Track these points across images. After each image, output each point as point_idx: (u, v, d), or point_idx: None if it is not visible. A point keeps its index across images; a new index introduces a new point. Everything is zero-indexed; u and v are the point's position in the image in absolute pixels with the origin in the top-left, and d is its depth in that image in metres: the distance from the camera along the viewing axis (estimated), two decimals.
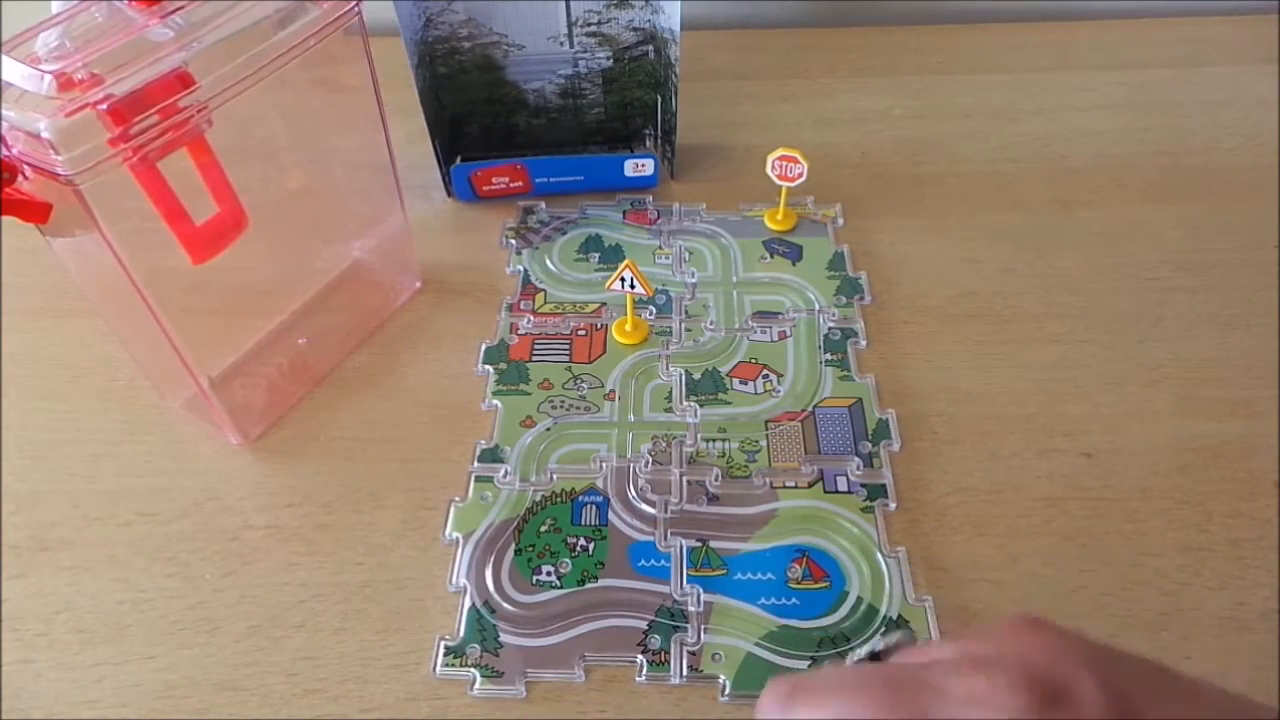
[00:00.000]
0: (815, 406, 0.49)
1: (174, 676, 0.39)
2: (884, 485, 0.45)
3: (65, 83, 0.34)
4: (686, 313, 0.54)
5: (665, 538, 0.43)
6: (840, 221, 0.59)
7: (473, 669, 0.39)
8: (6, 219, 0.35)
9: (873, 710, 0.21)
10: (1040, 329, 0.52)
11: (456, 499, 0.45)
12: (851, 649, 0.39)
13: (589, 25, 0.57)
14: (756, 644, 0.40)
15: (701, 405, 0.49)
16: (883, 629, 0.40)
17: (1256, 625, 0.40)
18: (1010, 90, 0.70)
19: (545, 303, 0.55)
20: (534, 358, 0.52)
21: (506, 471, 0.46)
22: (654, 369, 0.51)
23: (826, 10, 0.79)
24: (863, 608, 0.41)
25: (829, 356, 0.51)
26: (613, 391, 0.50)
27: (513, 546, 0.43)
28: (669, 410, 0.49)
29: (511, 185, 0.60)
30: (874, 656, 0.26)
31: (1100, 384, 0.49)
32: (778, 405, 0.49)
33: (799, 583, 0.41)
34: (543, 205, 0.61)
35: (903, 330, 0.53)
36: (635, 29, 0.57)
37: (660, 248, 0.58)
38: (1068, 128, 0.66)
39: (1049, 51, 0.74)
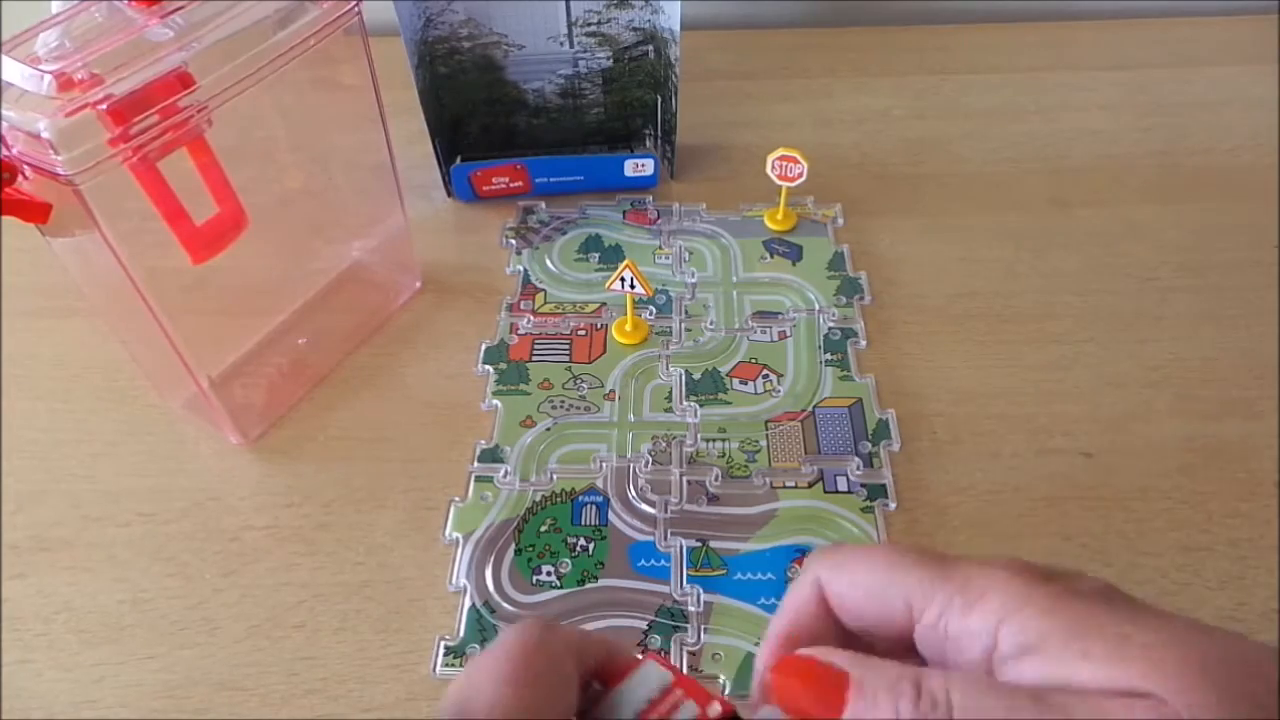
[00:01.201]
0: (815, 406, 0.49)
1: (174, 676, 0.39)
2: (884, 485, 0.45)
3: (65, 83, 0.34)
4: (686, 313, 0.54)
5: (665, 538, 0.43)
6: (840, 221, 0.59)
7: None
8: (6, 219, 0.35)
9: (892, 567, 0.24)
10: (1040, 329, 0.52)
11: (456, 499, 0.45)
12: None
13: (589, 25, 0.57)
14: (756, 644, 0.39)
15: (701, 405, 0.49)
16: None
17: (1256, 625, 0.40)
18: (1010, 90, 0.70)
19: (545, 303, 0.55)
20: (534, 358, 0.52)
21: (506, 471, 0.46)
22: (654, 369, 0.51)
23: (826, 10, 0.79)
24: None
25: (829, 356, 0.51)
26: (613, 391, 0.50)
27: (513, 546, 0.43)
28: (669, 410, 0.49)
29: (511, 185, 0.60)
30: None
31: (1100, 384, 0.49)
32: (778, 405, 0.49)
33: None
34: (543, 205, 0.61)
35: (903, 330, 0.53)
36: (635, 29, 0.57)
37: (660, 248, 0.58)
38: (1068, 128, 0.66)
39: (1049, 51, 0.74)
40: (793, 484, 0.45)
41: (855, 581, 0.25)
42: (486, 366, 0.51)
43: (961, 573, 0.23)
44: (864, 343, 0.52)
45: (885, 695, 0.22)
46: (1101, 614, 0.21)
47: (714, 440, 0.47)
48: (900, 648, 0.25)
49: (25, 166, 0.34)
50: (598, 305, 0.54)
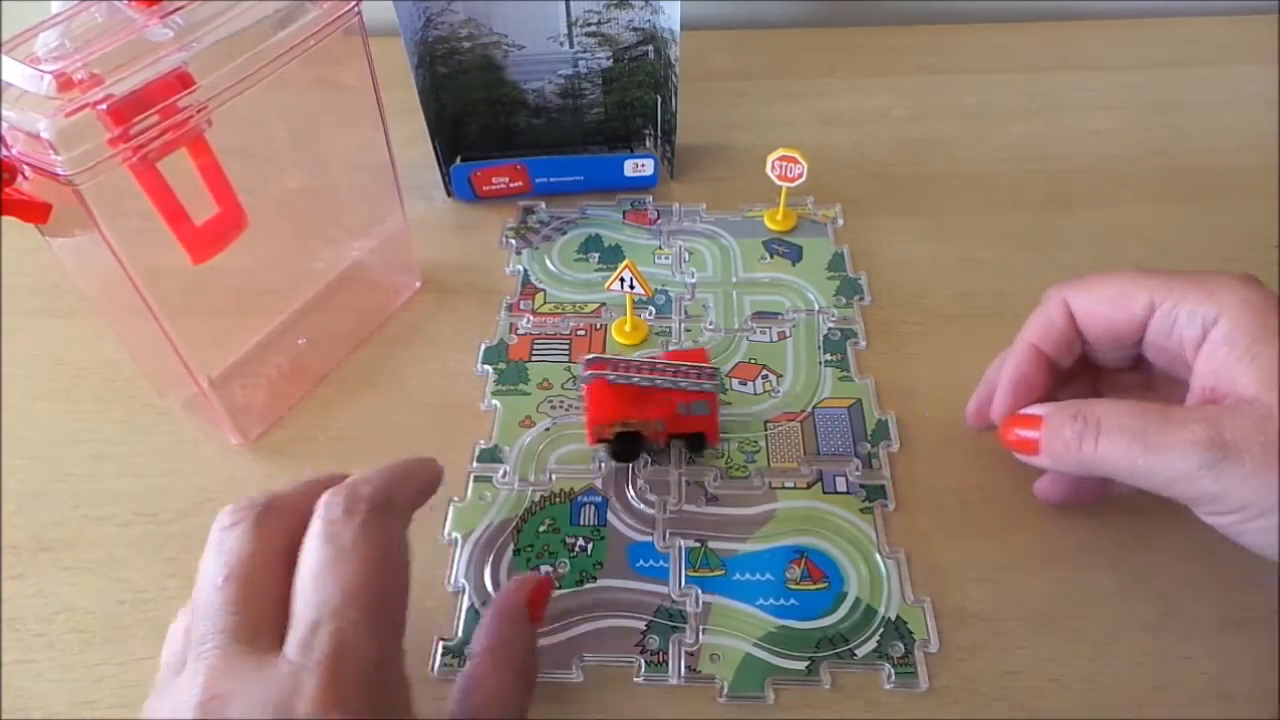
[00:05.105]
0: (814, 407, 0.49)
1: None
2: (883, 486, 0.45)
3: (65, 83, 0.34)
4: (686, 313, 0.54)
5: (664, 538, 0.43)
6: (840, 221, 0.59)
7: None
8: (6, 219, 0.35)
9: (1134, 277, 0.33)
10: None
11: (455, 499, 0.45)
12: (850, 649, 0.39)
13: (589, 25, 0.57)
14: (755, 644, 0.40)
15: None
16: None
17: (1257, 625, 0.40)
18: (1010, 90, 0.70)
19: (545, 303, 0.55)
20: (533, 358, 0.52)
21: (505, 471, 0.46)
22: None
23: (826, 10, 0.80)
24: (861, 608, 0.41)
25: (828, 357, 0.51)
26: None
27: (511, 546, 0.43)
28: None
29: (511, 185, 0.60)
30: None
31: None
32: (777, 406, 0.49)
33: (797, 583, 0.41)
34: (543, 205, 0.61)
35: (903, 330, 0.53)
36: (635, 29, 0.57)
37: (660, 248, 0.58)
38: (1068, 128, 0.66)
39: (1049, 51, 0.74)
40: (791, 484, 0.45)
41: (1100, 294, 0.34)
42: (486, 366, 0.51)
43: (1195, 275, 0.31)
44: (863, 343, 0.52)
45: (1060, 421, 0.32)
46: None
47: None
48: (1126, 357, 0.35)
49: (25, 166, 0.34)
50: (597, 305, 0.54)
